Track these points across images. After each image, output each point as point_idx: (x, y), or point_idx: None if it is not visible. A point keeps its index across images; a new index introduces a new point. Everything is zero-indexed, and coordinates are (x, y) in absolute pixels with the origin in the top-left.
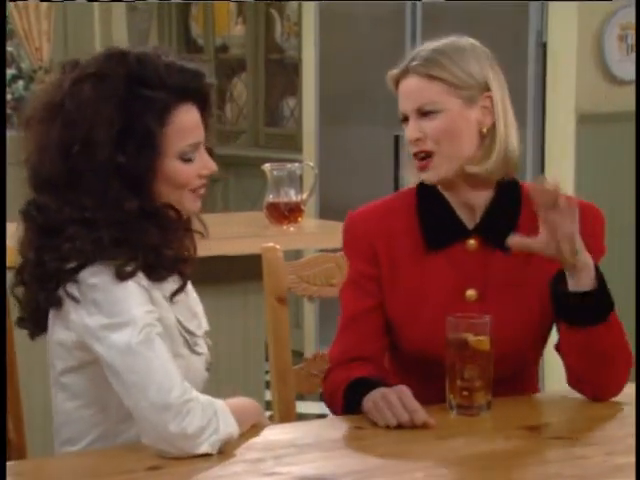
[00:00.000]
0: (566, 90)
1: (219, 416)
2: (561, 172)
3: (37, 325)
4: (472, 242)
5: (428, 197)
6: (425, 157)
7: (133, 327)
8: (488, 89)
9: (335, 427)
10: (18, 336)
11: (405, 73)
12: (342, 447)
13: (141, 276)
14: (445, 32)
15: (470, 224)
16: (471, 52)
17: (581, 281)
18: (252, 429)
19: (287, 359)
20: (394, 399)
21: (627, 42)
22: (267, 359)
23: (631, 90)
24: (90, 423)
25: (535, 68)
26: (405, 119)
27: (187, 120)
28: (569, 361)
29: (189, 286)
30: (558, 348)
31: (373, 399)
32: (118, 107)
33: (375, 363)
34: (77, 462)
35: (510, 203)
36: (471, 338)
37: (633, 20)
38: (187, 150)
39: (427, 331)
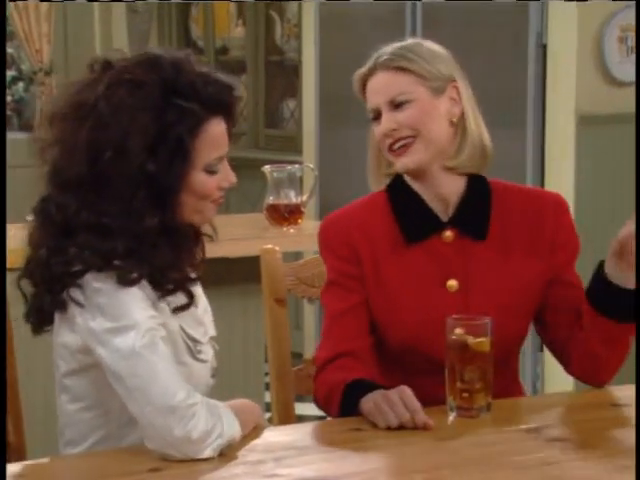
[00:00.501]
0: (566, 91)
1: (223, 420)
2: (561, 173)
3: (41, 322)
4: (448, 234)
5: (400, 194)
6: (402, 146)
7: (137, 331)
8: (454, 80)
9: (335, 429)
10: (18, 336)
11: (373, 71)
12: (342, 449)
13: (145, 283)
14: (445, 32)
15: (444, 217)
16: (434, 50)
17: (629, 280)
18: (252, 431)
19: (286, 360)
20: (396, 399)
21: (627, 44)
22: (267, 360)
23: (631, 92)
24: (92, 426)
25: (535, 69)
26: (376, 117)
27: (216, 133)
28: (590, 346)
29: (199, 292)
30: (539, 331)
31: (374, 400)
32: (153, 116)
33: (362, 359)
34: (77, 464)
35: (481, 194)
36: (471, 340)
37: (633, 22)
38: (213, 163)
39: (411, 325)
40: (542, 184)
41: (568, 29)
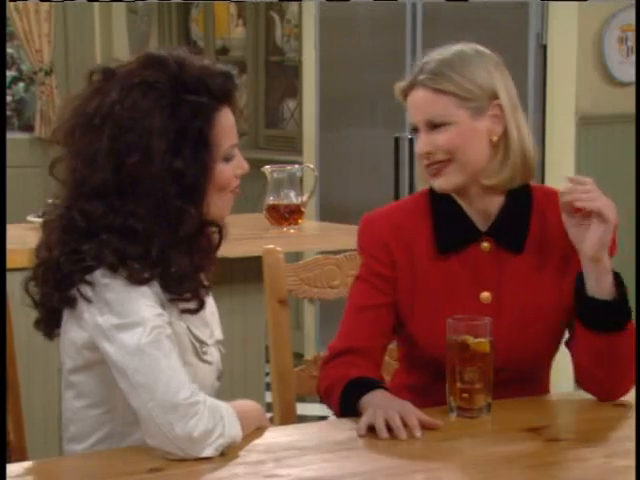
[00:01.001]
0: (566, 92)
1: (225, 420)
2: (561, 174)
3: (52, 324)
4: (485, 244)
5: (442, 200)
6: (437, 168)
7: (143, 328)
8: (496, 97)
9: (335, 429)
10: (18, 336)
11: (413, 85)
12: (342, 449)
13: (155, 283)
14: (445, 32)
15: (483, 226)
16: (478, 60)
17: (601, 285)
18: (254, 432)
19: (288, 361)
20: (396, 418)
21: (627, 44)
22: (268, 361)
23: (631, 92)
24: (96, 423)
25: (535, 69)
26: (415, 129)
27: (228, 121)
28: (582, 362)
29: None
30: (569, 345)
31: (373, 411)
32: (170, 113)
33: (372, 358)
34: (77, 464)
35: (522, 207)
36: (471, 340)
37: (633, 22)
38: (229, 151)
39: (443, 333)
40: (542, 184)
41: (568, 29)
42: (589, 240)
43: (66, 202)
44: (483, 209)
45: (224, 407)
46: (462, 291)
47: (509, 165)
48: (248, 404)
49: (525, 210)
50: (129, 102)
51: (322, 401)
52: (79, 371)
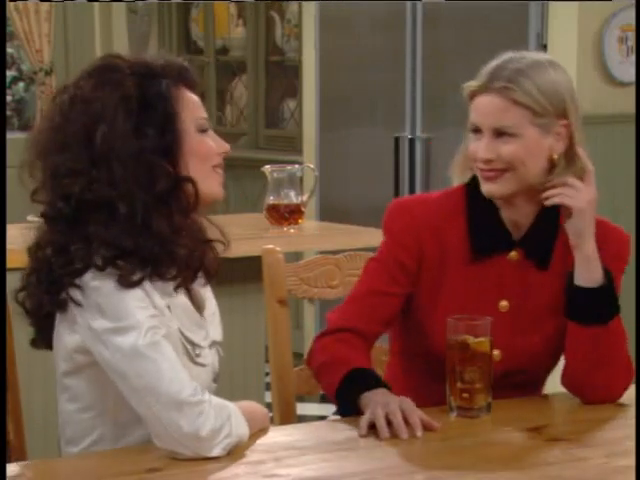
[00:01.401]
0: None
1: (232, 419)
2: None
3: (48, 333)
4: (514, 254)
5: (478, 202)
6: (494, 174)
7: (138, 331)
8: (564, 116)
9: (335, 429)
10: (18, 337)
11: (487, 89)
12: (342, 449)
13: (145, 282)
14: (445, 32)
15: (516, 235)
16: (553, 75)
17: (586, 274)
18: (257, 433)
19: (287, 361)
20: (398, 415)
21: (627, 44)
22: (267, 361)
23: (631, 92)
24: (89, 425)
25: None
26: (476, 132)
27: (191, 97)
28: (570, 359)
29: (209, 295)
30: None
31: (373, 409)
32: (131, 86)
33: (369, 343)
34: (77, 464)
35: (552, 220)
36: (471, 340)
37: (633, 22)
38: (202, 122)
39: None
40: None
41: (568, 29)
42: (566, 228)
43: (48, 199)
44: (517, 218)
45: (231, 406)
46: (483, 297)
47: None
48: (254, 405)
49: (554, 224)
50: (88, 84)
51: (311, 371)
52: (71, 374)
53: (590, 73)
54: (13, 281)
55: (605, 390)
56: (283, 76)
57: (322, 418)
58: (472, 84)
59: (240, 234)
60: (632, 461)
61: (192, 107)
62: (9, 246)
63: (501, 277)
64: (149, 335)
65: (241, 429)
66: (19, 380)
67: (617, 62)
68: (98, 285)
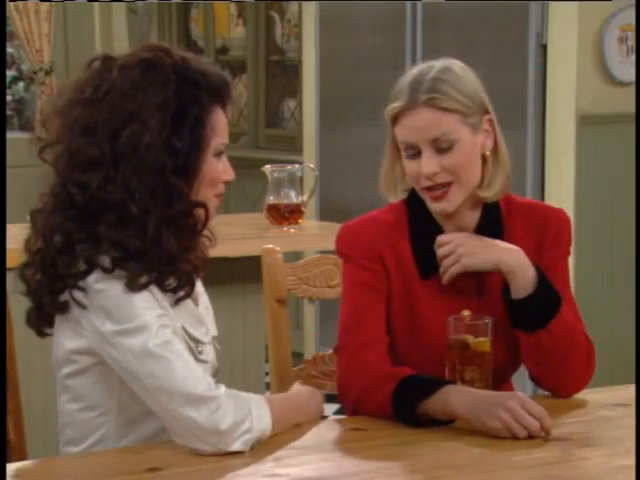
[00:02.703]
0: (566, 92)
1: (253, 414)
2: (561, 174)
3: (43, 324)
4: None
5: (419, 220)
6: (441, 188)
7: (149, 331)
8: (487, 110)
9: (335, 429)
10: (18, 336)
11: (412, 106)
12: (342, 449)
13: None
14: (445, 32)
15: None
16: (465, 75)
17: (519, 285)
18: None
19: (287, 360)
20: (520, 410)
21: (627, 44)
22: (267, 360)
23: (631, 92)
24: (91, 426)
25: (535, 69)
26: (413, 152)
27: (222, 120)
28: (527, 365)
29: (201, 290)
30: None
31: (491, 412)
32: (170, 93)
33: (387, 347)
34: (77, 463)
35: (495, 220)
36: (472, 340)
37: (633, 22)
38: (221, 149)
39: (426, 353)
40: (542, 184)
41: (568, 29)
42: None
43: (60, 178)
44: (461, 225)
45: (254, 400)
46: (443, 311)
47: (502, 175)
48: (303, 393)
49: (497, 223)
50: (131, 77)
51: (343, 392)
52: (75, 375)
53: (590, 73)
54: (13, 281)
55: (572, 383)
56: (283, 76)
57: (322, 418)
58: (395, 106)
59: (240, 234)
60: (632, 461)
61: (220, 132)
62: (9, 246)
63: (456, 288)
64: (160, 334)
65: (264, 423)
66: (19, 379)
67: (617, 62)
68: (103, 288)
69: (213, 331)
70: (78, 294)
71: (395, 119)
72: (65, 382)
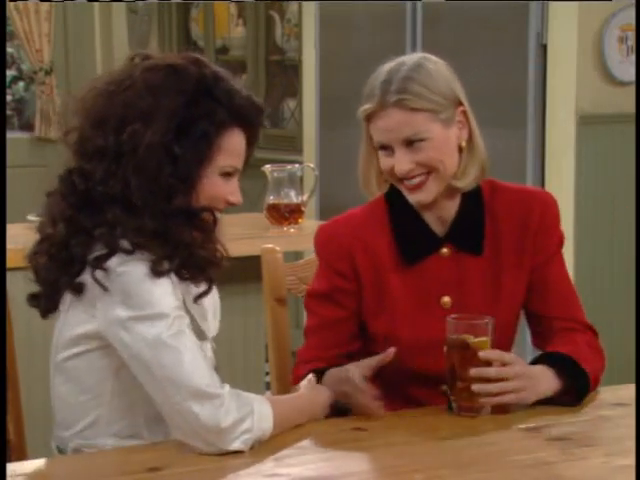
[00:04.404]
0: (566, 91)
1: (255, 414)
2: (561, 173)
3: (51, 305)
4: (445, 250)
5: (400, 210)
6: (417, 182)
7: (165, 320)
8: (460, 103)
9: (335, 428)
10: (19, 337)
11: (382, 107)
12: (342, 448)
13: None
14: (445, 32)
15: (441, 232)
16: (435, 70)
17: (545, 386)
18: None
19: (287, 360)
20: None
21: (627, 44)
22: (267, 360)
23: (631, 92)
24: (84, 408)
25: (535, 69)
26: (384, 148)
27: (237, 142)
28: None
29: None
30: (535, 344)
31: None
32: (185, 101)
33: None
34: (77, 463)
35: (475, 207)
36: (472, 339)
37: (633, 22)
38: (229, 170)
39: (405, 341)
40: (542, 184)
41: (568, 29)
42: None
43: (69, 164)
44: (440, 214)
45: (257, 400)
46: (424, 297)
47: (476, 164)
48: (308, 392)
49: (479, 210)
50: (153, 78)
51: None
52: (74, 358)
53: (590, 73)
54: (13, 281)
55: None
56: (283, 75)
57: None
58: (367, 107)
59: (240, 234)
60: (632, 461)
61: (230, 154)
62: (9, 246)
63: (438, 274)
64: (175, 325)
65: (264, 424)
66: (19, 378)
67: (617, 62)
68: (126, 270)
69: (214, 330)
70: (100, 274)
71: (368, 119)
72: (62, 364)
